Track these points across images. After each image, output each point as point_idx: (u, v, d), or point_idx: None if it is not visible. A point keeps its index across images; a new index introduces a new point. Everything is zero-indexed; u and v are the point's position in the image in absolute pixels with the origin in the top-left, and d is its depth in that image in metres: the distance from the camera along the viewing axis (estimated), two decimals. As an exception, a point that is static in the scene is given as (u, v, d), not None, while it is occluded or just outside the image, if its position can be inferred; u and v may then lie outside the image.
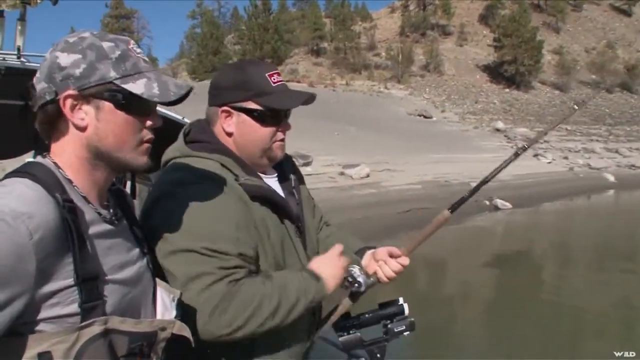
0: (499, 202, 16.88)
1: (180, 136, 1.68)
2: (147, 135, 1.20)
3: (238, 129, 1.62)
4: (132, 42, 1.19)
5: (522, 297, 8.81)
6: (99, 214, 1.16)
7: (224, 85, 1.64)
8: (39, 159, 1.15)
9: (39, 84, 1.13)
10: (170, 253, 1.42)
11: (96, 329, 1.03)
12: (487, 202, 16.95)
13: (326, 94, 40.36)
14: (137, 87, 1.13)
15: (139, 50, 1.19)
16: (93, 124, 1.13)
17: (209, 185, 1.50)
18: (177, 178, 1.53)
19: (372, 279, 1.73)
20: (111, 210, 1.23)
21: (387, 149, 21.86)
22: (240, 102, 1.61)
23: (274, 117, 1.62)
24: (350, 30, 55.77)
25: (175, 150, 1.64)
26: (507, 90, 52.27)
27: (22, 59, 1.98)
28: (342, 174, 16.76)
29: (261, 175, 1.68)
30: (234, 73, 1.64)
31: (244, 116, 1.61)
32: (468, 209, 15.79)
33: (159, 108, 1.29)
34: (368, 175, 16.99)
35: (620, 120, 46.78)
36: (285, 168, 1.81)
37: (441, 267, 11.32)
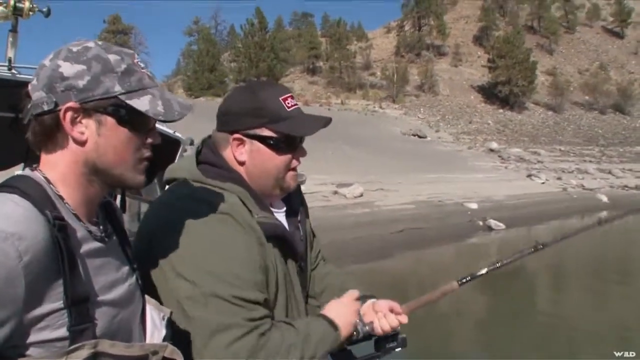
0: (493, 223, 16.85)
1: (192, 156, 1.58)
2: (147, 152, 1.16)
3: (251, 157, 1.52)
4: (136, 56, 1.15)
5: (514, 314, 8.78)
6: (90, 231, 1.10)
7: (236, 111, 1.52)
8: (28, 172, 1.09)
9: (36, 92, 1.06)
10: (193, 295, 1.33)
11: (85, 352, 0.98)
12: (481, 223, 16.93)
13: (321, 112, 40.56)
14: (141, 103, 1.08)
15: (143, 65, 1.15)
16: (93, 139, 1.07)
17: (230, 223, 1.41)
18: (193, 209, 1.41)
19: (367, 327, 1.67)
20: (101, 227, 1.17)
21: (381, 168, 21.92)
22: (254, 130, 1.50)
23: (289, 144, 1.52)
24: (346, 50, 56.31)
25: (185, 171, 1.54)
26: (501, 110, 52.74)
27: (13, 71, 1.96)
28: (335, 192, 16.73)
29: (275, 199, 1.62)
30: (246, 98, 1.53)
31: (257, 144, 1.50)
32: (462, 230, 15.82)
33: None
34: (362, 195, 16.97)
35: (613, 141, 47.24)
36: (294, 200, 1.72)
37: (433, 286, 11.28)
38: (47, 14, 2.10)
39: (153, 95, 1.11)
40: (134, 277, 1.24)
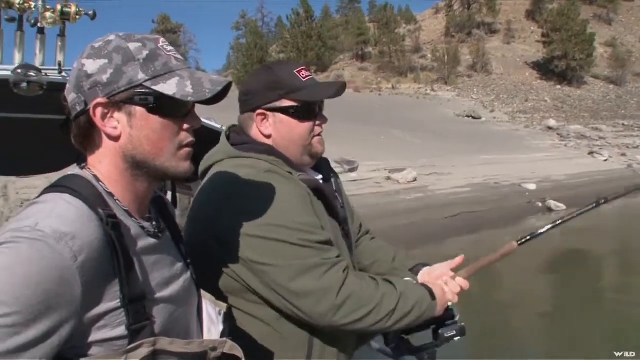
0: (552, 203, 16.28)
1: (223, 139, 1.66)
2: (187, 138, 1.11)
3: (276, 129, 1.60)
4: (162, 39, 1.11)
5: (577, 302, 8.49)
6: (143, 227, 1.10)
7: (255, 89, 1.62)
8: (77, 170, 1.09)
9: (70, 95, 1.07)
10: (266, 250, 1.40)
11: (144, 351, 0.98)
12: (540, 204, 16.41)
13: (371, 99, 40.30)
14: (168, 87, 1.04)
15: (169, 48, 1.10)
16: (126, 132, 1.05)
17: (276, 180, 1.49)
18: (239, 176, 1.50)
19: None
20: (154, 223, 1.16)
21: (434, 152, 21.57)
22: (274, 102, 1.59)
23: (309, 111, 1.61)
24: (394, 34, 55.53)
25: (220, 153, 1.61)
26: (559, 86, 50.87)
27: (63, 74, 2.00)
28: (388, 178, 16.59)
29: (308, 166, 1.68)
30: (263, 76, 1.63)
31: (280, 115, 1.59)
32: (519, 212, 15.39)
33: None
34: (415, 180, 16.77)
35: (681, 113, 44.71)
36: (325, 172, 1.79)
37: (491, 273, 11.07)
38: (93, 17, 2.15)
39: (181, 77, 1.07)
40: (189, 272, 1.24)
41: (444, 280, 1.70)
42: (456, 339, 1.72)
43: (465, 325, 1.73)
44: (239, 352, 1.15)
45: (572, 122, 38.13)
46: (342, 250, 1.62)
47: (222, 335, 1.21)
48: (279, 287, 1.41)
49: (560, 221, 1.78)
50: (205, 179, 1.62)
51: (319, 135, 1.66)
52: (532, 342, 6.99)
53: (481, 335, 6.31)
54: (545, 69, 53.12)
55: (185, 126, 1.10)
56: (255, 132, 1.63)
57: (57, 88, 1.90)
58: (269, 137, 1.62)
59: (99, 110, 1.04)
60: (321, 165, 1.77)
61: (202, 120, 2.38)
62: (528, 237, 1.76)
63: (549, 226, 1.78)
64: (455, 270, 1.75)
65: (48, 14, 1.99)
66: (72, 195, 0.99)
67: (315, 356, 1.54)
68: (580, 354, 6.14)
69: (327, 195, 1.62)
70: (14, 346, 0.83)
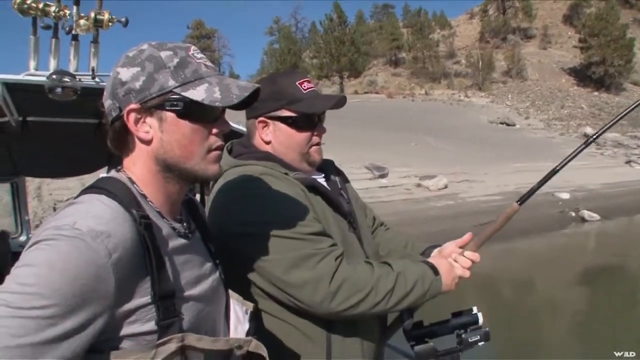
0: (586, 214, 15.95)
1: (225, 151, 1.72)
2: (216, 142, 1.16)
3: (275, 136, 1.69)
4: (192, 48, 1.16)
5: (605, 312, 8.31)
6: (174, 228, 1.15)
7: (259, 98, 1.70)
8: (113, 173, 1.15)
9: (106, 102, 1.13)
10: (260, 247, 1.46)
11: (173, 346, 1.02)
12: (573, 214, 16.10)
13: (404, 104, 40.09)
14: (197, 93, 1.09)
15: (200, 55, 1.15)
16: (158, 136, 1.11)
17: (270, 181, 1.56)
18: (234, 183, 1.59)
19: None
20: (185, 224, 1.21)
21: (466, 159, 21.33)
22: (275, 112, 1.67)
23: (308, 122, 1.69)
24: (428, 39, 55.21)
25: (223, 164, 1.65)
26: (596, 93, 49.70)
27: (96, 79, 2.09)
28: (418, 185, 16.51)
29: (306, 172, 1.72)
30: (267, 85, 1.67)
31: (279, 124, 1.68)
32: (552, 222, 15.10)
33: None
34: (446, 187, 16.63)
35: None
36: (329, 170, 1.87)
37: (521, 281, 10.90)
38: (126, 24, 2.21)
39: (210, 83, 1.11)
40: (217, 272, 1.28)
41: (453, 257, 1.71)
42: (480, 344, 1.72)
43: (490, 331, 1.72)
44: (263, 350, 1.19)
45: (609, 130, 37.17)
46: (349, 242, 1.68)
47: (247, 334, 1.25)
48: (278, 280, 1.47)
49: (553, 169, 1.77)
50: (213, 189, 1.70)
51: (317, 144, 1.73)
52: (556, 346, 6.90)
53: (505, 341, 6.23)
54: (582, 75, 52.02)
55: (215, 130, 1.15)
56: (257, 139, 1.73)
57: (91, 93, 1.99)
58: (268, 143, 1.71)
59: (132, 116, 1.10)
60: (325, 166, 1.85)
61: (231, 124, 2.45)
62: (526, 196, 1.75)
63: (541, 179, 1.76)
64: (464, 247, 1.75)
65: (82, 22, 2.07)
66: (107, 197, 1.05)
67: (335, 356, 1.58)
68: (581, 354, 6.07)
69: (325, 191, 1.68)
70: (52, 336, 0.89)
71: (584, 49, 51.24)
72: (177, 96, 1.09)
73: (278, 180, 1.58)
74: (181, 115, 1.10)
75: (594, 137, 1.86)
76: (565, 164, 1.77)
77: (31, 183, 11.74)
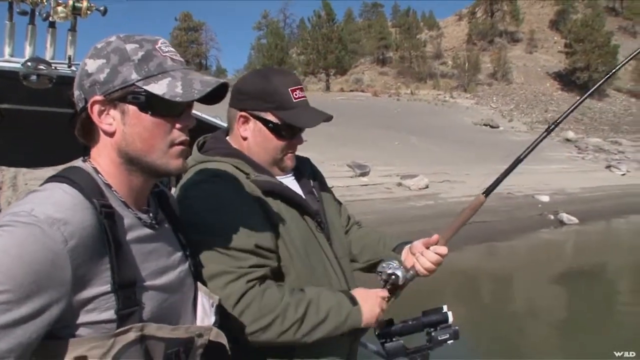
0: (565, 217, 16.12)
1: (195, 147, 1.70)
2: (179, 137, 1.14)
3: (253, 135, 1.65)
4: (161, 40, 1.15)
5: (577, 304, 8.44)
6: (139, 218, 1.15)
7: (247, 91, 1.65)
8: (79, 163, 1.15)
9: (75, 92, 1.14)
10: (199, 250, 1.43)
11: (132, 335, 1.02)
12: (552, 217, 16.26)
13: (389, 103, 40.18)
14: (159, 87, 1.08)
15: (167, 49, 1.14)
16: (120, 129, 1.11)
17: (219, 183, 1.53)
18: (190, 181, 1.57)
19: (411, 272, 1.68)
20: (151, 214, 1.21)
21: (449, 160, 21.46)
22: (259, 112, 1.62)
23: (289, 131, 1.64)
24: (415, 39, 55.38)
25: (191, 160, 1.64)
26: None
27: (73, 68, 2.04)
28: (399, 184, 16.55)
29: (275, 174, 1.69)
30: (258, 81, 1.65)
31: (260, 125, 1.63)
32: (531, 223, 15.26)
33: (197, 112, 1.24)
34: (427, 186, 16.70)
35: None
36: (302, 169, 1.82)
37: (497, 281, 11.01)
38: (104, 12, 2.18)
39: (173, 77, 1.11)
40: (187, 263, 1.28)
41: (421, 252, 1.70)
42: (449, 342, 1.73)
43: (459, 329, 1.74)
44: (223, 339, 1.20)
45: (591, 135, 37.71)
46: (314, 243, 1.66)
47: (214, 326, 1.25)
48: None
49: (517, 157, 1.78)
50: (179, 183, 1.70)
51: (292, 152, 1.70)
52: (529, 344, 7.00)
53: (475, 339, 6.29)
54: (566, 80, 52.56)
55: (178, 125, 1.14)
56: (235, 130, 1.69)
57: (67, 82, 1.96)
58: (245, 139, 1.67)
59: (96, 108, 1.10)
60: (299, 164, 1.80)
61: (209, 118, 2.44)
62: (491, 187, 1.75)
63: (505, 167, 1.77)
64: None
65: (60, 9, 2.03)
66: (69, 185, 1.05)
67: (298, 356, 1.56)
68: (580, 354, 6.14)
69: (287, 194, 1.64)
70: (6, 321, 0.89)
71: (569, 54, 51.83)
72: (139, 89, 1.09)
73: (229, 185, 1.54)
74: (143, 108, 1.10)
75: (556, 123, 1.87)
76: (529, 152, 1.79)
77: (7, 172, 11.58)
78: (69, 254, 0.96)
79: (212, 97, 1.16)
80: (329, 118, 1.66)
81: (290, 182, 1.74)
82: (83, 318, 1.01)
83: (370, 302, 1.60)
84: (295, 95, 1.62)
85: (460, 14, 71.18)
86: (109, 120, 1.11)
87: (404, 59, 55.01)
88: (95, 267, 1.01)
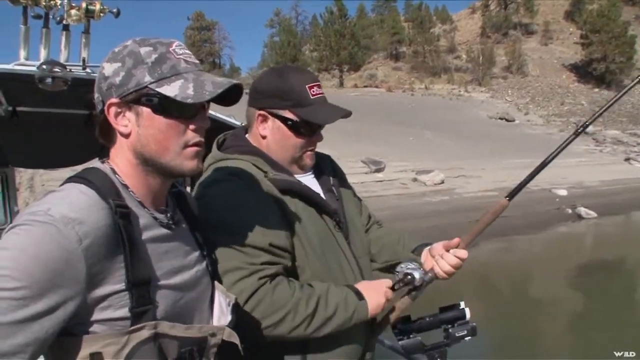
0: (583, 211, 15.91)
1: (214, 144, 1.71)
2: (194, 138, 1.16)
3: (272, 134, 1.65)
4: (176, 43, 1.17)
5: (600, 311, 8.33)
6: (155, 218, 1.17)
7: (264, 89, 1.65)
8: (98, 164, 1.18)
9: (95, 95, 1.18)
10: (217, 247, 1.44)
11: (145, 333, 1.05)
12: (570, 211, 16.06)
13: (403, 98, 40.04)
14: (171, 89, 1.10)
15: (182, 51, 1.16)
16: (135, 130, 1.13)
17: (236, 182, 1.53)
18: (208, 180, 1.58)
19: (429, 274, 1.68)
20: (169, 214, 1.23)
21: (464, 154, 21.34)
22: (278, 110, 1.63)
23: (308, 128, 1.64)
24: (429, 33, 55.06)
25: (210, 158, 1.67)
26: (596, 90, 49.68)
27: (87, 70, 2.07)
28: (415, 180, 16.50)
29: (295, 173, 1.69)
30: (275, 79, 1.65)
31: (279, 123, 1.63)
32: (548, 218, 15.11)
33: (214, 112, 1.24)
34: (442, 182, 16.62)
35: None
36: (322, 166, 1.82)
37: (514, 277, 10.93)
38: (117, 14, 2.19)
39: (185, 79, 1.12)
40: (204, 263, 1.30)
41: (440, 254, 1.69)
42: (467, 338, 1.72)
43: (477, 325, 1.73)
44: (236, 339, 1.21)
45: (609, 127, 37.21)
46: (332, 242, 1.66)
47: (229, 326, 1.25)
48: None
49: (542, 162, 1.72)
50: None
51: (311, 150, 1.69)
52: (544, 343, 6.93)
53: (492, 336, 6.25)
54: (583, 72, 51.99)
55: (192, 126, 1.16)
56: (254, 129, 1.69)
57: (81, 84, 1.97)
58: (264, 137, 1.67)
59: (113, 110, 1.13)
60: (319, 161, 1.79)
61: (223, 117, 2.44)
62: (515, 190, 1.68)
63: (530, 172, 1.69)
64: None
65: (73, 12, 2.05)
66: (86, 186, 1.08)
67: (313, 351, 1.56)
68: (581, 354, 6.11)
69: (306, 192, 1.63)
70: (23, 317, 0.92)
71: (585, 45, 51.20)
72: (152, 92, 1.11)
73: (246, 184, 1.54)
74: (156, 110, 1.12)
75: (584, 126, 1.78)
76: (555, 156, 1.70)
77: (24, 174, 11.75)
78: (83, 253, 0.98)
79: (226, 98, 1.18)
80: (347, 114, 1.66)
81: (309, 180, 1.74)
82: (97, 315, 1.03)
83: (376, 293, 1.60)
84: (313, 92, 1.62)
85: (474, 7, 70.68)
86: (125, 122, 1.14)
87: (418, 53, 54.73)
88: (109, 265, 1.03)
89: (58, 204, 1.01)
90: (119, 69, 1.13)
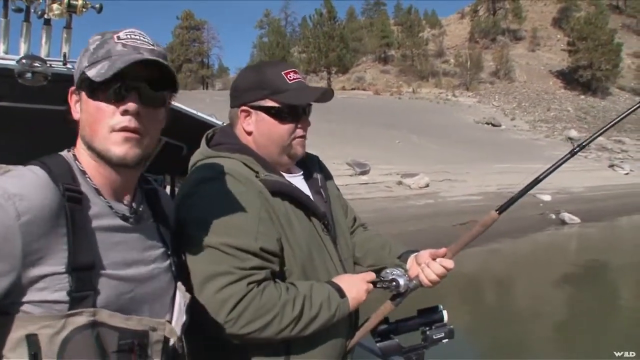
0: (567, 216, 16.05)
1: (203, 141, 1.69)
2: (120, 122, 1.10)
3: (257, 127, 1.63)
4: (129, 30, 1.17)
5: (577, 313, 8.42)
6: (111, 207, 1.15)
7: (242, 86, 1.65)
8: (64, 151, 1.17)
9: None
10: (193, 249, 1.42)
11: (83, 319, 1.02)
12: (554, 216, 16.20)
13: (390, 102, 40.18)
14: (94, 71, 1.08)
15: (126, 36, 1.14)
16: (79, 116, 1.15)
17: (228, 181, 1.51)
18: (199, 177, 1.55)
19: (414, 282, 1.66)
20: (133, 207, 1.20)
21: (449, 158, 21.44)
22: (258, 101, 1.61)
23: (291, 113, 1.62)
24: (417, 37, 55.33)
25: (199, 154, 1.65)
26: (582, 96, 50.26)
27: (68, 65, 2.03)
28: (400, 183, 16.53)
29: (285, 173, 1.68)
30: (251, 74, 1.66)
31: (262, 114, 1.62)
32: (532, 223, 15.20)
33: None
34: (427, 185, 16.67)
35: None
36: (311, 168, 1.80)
37: (496, 281, 11.01)
38: (99, 10, 2.17)
39: (112, 62, 1.09)
40: (168, 262, 1.27)
41: (427, 262, 1.67)
42: (444, 341, 1.73)
43: (455, 329, 1.73)
44: (174, 336, 1.18)
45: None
46: (320, 245, 1.65)
47: (182, 327, 1.24)
48: (196, 288, 1.41)
49: (535, 178, 1.70)
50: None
51: (300, 137, 1.66)
52: (528, 344, 6.97)
53: (472, 339, 6.28)
54: (569, 78, 52.54)
55: (121, 109, 1.10)
56: (239, 129, 1.67)
57: (62, 79, 1.95)
58: (250, 133, 1.65)
59: (72, 97, 1.17)
60: (308, 162, 1.79)
61: (204, 116, 2.43)
62: (506, 205, 1.65)
63: (523, 187, 1.71)
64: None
65: (55, 6, 2.02)
66: (40, 167, 1.07)
67: (294, 352, 1.55)
68: (581, 354, 6.14)
69: (295, 194, 1.61)
70: None
71: (572, 52, 51.78)
72: (84, 76, 1.11)
73: (236, 183, 1.52)
74: (88, 94, 1.12)
75: (581, 146, 1.73)
76: (549, 173, 1.67)
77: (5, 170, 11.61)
78: (20, 229, 0.96)
79: (164, 80, 1.14)
80: (328, 92, 1.66)
81: (299, 181, 1.72)
82: (34, 296, 1.00)
83: (356, 289, 1.61)
84: (290, 77, 1.62)
85: (463, 12, 71.25)
86: (77, 108, 1.16)
87: (406, 57, 55.01)
88: (50, 245, 1.01)
89: (5, 181, 1.01)
90: (79, 59, 1.16)
